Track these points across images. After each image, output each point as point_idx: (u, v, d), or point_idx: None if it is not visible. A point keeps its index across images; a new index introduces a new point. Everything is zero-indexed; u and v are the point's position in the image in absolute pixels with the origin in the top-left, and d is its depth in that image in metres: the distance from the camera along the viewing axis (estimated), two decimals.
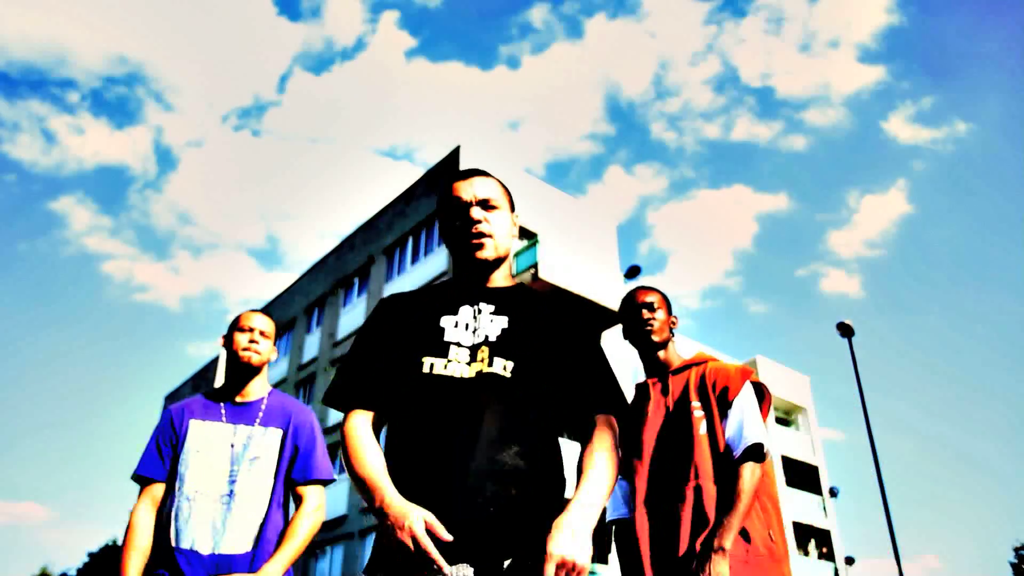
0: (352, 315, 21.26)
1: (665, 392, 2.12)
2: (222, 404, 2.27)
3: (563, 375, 1.37)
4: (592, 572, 15.64)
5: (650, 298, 2.20)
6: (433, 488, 1.21)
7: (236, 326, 2.32)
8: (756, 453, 1.94)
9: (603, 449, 1.30)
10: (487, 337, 1.34)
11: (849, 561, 27.56)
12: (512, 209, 1.49)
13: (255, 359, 2.28)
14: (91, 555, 34.33)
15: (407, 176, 41.42)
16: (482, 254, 1.40)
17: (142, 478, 2.21)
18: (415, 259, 19.37)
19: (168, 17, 52.34)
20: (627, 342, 2.24)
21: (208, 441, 2.19)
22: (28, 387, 67.93)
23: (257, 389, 2.31)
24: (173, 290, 64.62)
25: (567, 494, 1.32)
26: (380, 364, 1.37)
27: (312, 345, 22.56)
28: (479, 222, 1.40)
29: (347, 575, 17.90)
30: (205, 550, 2.06)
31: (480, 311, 1.39)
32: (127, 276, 61.28)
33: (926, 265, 58.21)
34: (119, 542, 34.51)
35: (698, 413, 2.02)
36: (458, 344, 1.34)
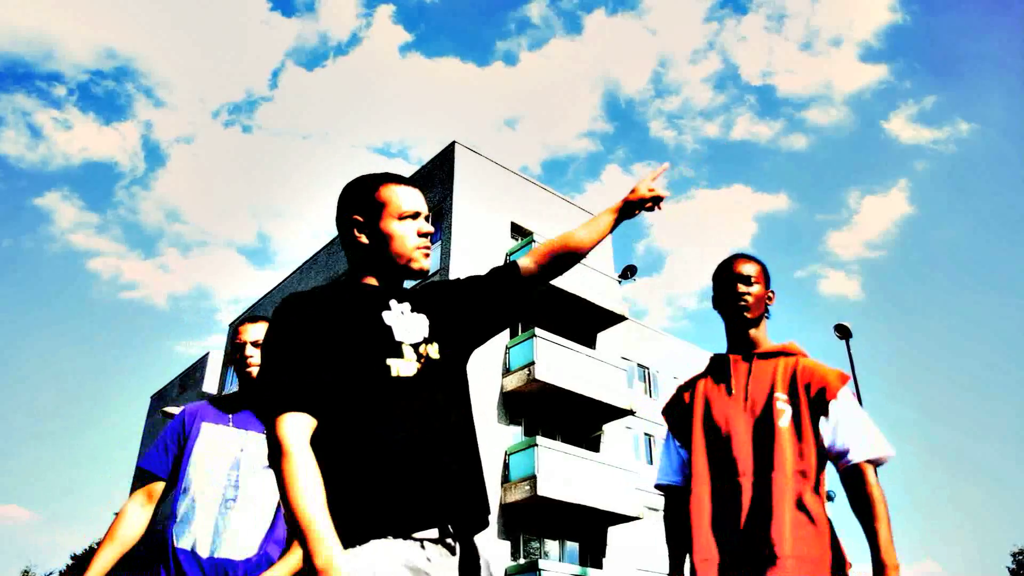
0: None
1: (748, 373, 1.99)
2: (230, 413, 2.28)
3: (473, 310, 1.58)
4: (584, 573, 15.52)
5: (748, 268, 2.04)
6: (410, 483, 1.28)
7: (234, 341, 2.36)
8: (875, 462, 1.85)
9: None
10: (424, 336, 1.44)
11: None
12: None
13: (255, 372, 2.29)
14: (74, 557, 33.83)
15: (401, 173, 41.03)
16: (424, 265, 1.50)
17: (143, 471, 2.23)
18: None
19: (159, 10, 51.87)
20: (717, 311, 2.11)
21: (216, 445, 2.20)
22: (11, 387, 67.19)
23: None
24: (161, 288, 64.10)
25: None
26: (324, 364, 1.32)
27: None
28: (430, 235, 1.50)
29: None
30: (204, 552, 2.06)
31: (403, 311, 1.46)
32: (114, 273, 60.73)
33: (927, 267, 58.27)
34: None
35: (780, 405, 1.89)
36: (403, 342, 1.40)
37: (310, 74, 57.39)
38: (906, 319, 57.95)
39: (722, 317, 2.08)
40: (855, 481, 1.82)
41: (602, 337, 18.27)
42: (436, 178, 18.62)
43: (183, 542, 2.07)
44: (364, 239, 1.46)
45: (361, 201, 1.48)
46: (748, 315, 2.01)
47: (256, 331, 2.30)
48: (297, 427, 1.23)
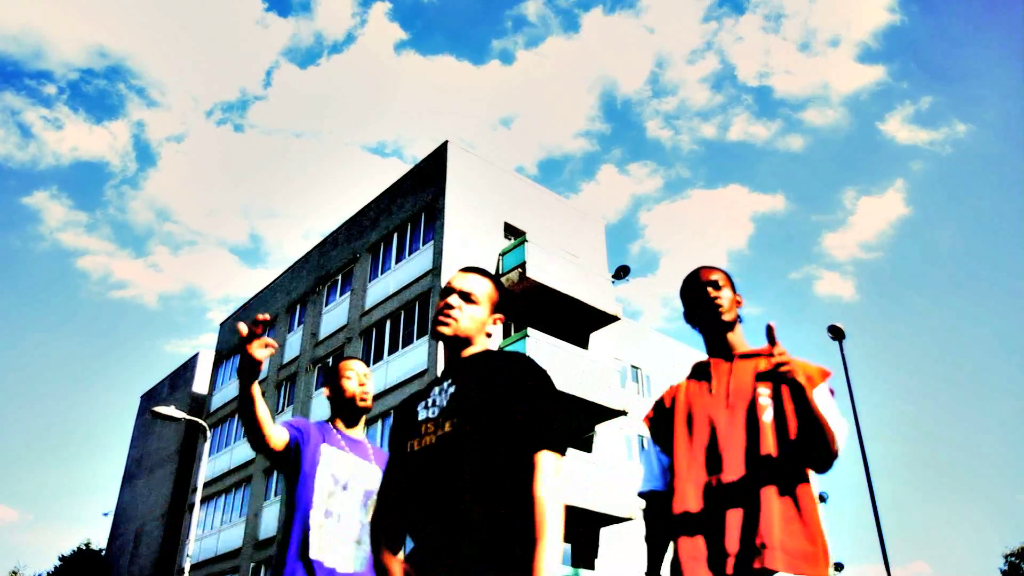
0: (334, 313, 20.78)
1: (730, 373, 2.03)
2: (340, 436, 2.52)
3: (504, 421, 1.48)
4: (576, 574, 15.45)
5: (715, 276, 2.13)
6: (422, 547, 1.47)
7: (341, 374, 2.60)
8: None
9: (545, 502, 1.39)
10: (443, 407, 1.56)
11: (838, 567, 27.42)
12: (494, 310, 1.70)
13: (371, 403, 2.63)
14: (62, 558, 33.53)
15: (396, 172, 40.80)
16: (441, 329, 1.63)
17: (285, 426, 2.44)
18: (399, 257, 18.94)
19: (153, 9, 51.56)
20: (691, 325, 2.17)
21: (343, 469, 2.46)
22: (0, 387, 66.65)
23: (361, 427, 2.66)
24: (152, 287, 63.70)
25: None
26: (393, 495, 1.61)
27: (294, 344, 22.06)
28: (450, 306, 1.63)
29: None
30: (341, 568, 2.31)
31: (443, 388, 1.61)
32: (104, 273, 60.36)
33: (922, 268, 58.47)
34: (92, 545, 33.75)
35: (763, 400, 1.93)
36: (427, 420, 1.57)
37: (304, 72, 57.26)
38: (900, 321, 58.18)
39: (699, 328, 2.12)
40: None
41: (595, 337, 18.20)
42: (429, 177, 18.52)
43: (317, 553, 2.29)
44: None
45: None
46: (724, 317, 2.06)
47: (364, 368, 2.65)
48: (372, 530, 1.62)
